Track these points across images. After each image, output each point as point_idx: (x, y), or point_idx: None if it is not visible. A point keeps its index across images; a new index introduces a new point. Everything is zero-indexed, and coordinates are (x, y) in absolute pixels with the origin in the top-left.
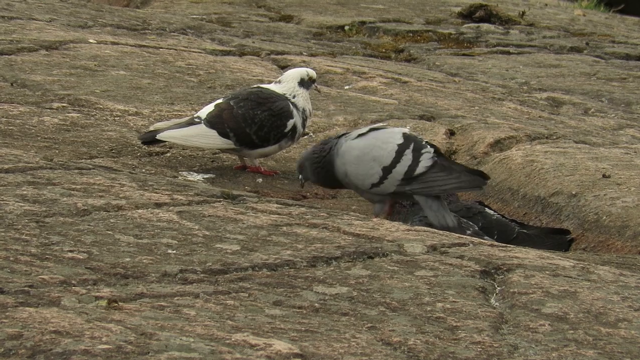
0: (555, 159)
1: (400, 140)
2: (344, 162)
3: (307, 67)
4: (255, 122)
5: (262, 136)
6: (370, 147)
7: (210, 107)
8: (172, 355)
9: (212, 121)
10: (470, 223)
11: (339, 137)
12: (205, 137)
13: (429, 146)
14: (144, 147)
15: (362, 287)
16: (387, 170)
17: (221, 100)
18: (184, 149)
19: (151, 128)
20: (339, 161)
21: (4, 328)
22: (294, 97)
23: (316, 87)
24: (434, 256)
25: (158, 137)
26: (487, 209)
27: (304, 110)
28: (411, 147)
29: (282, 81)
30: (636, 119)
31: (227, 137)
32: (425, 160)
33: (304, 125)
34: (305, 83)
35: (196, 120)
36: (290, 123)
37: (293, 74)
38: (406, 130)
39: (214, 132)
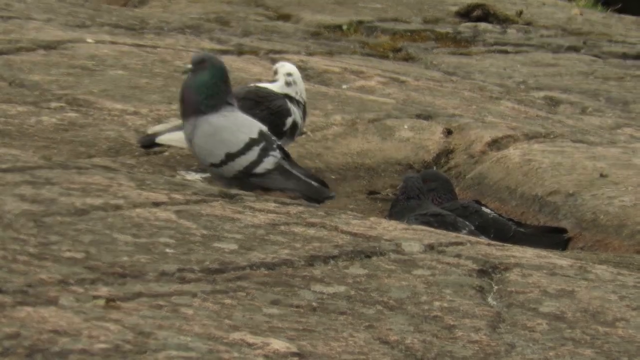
0: (553, 158)
1: (255, 136)
2: (196, 133)
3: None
4: None
5: None
6: (223, 128)
7: None
8: (170, 354)
9: None
10: (467, 223)
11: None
12: None
13: (278, 150)
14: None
15: (359, 286)
16: (229, 157)
17: None
18: (181, 148)
19: (149, 131)
20: (196, 130)
21: (2, 327)
22: (300, 94)
23: None
24: (431, 255)
25: (157, 140)
26: (483, 208)
27: (304, 104)
28: (261, 145)
29: (297, 82)
30: (634, 118)
31: None
32: (267, 163)
33: (304, 119)
34: None
35: None
36: (288, 121)
37: (297, 72)
38: (265, 128)
39: None
